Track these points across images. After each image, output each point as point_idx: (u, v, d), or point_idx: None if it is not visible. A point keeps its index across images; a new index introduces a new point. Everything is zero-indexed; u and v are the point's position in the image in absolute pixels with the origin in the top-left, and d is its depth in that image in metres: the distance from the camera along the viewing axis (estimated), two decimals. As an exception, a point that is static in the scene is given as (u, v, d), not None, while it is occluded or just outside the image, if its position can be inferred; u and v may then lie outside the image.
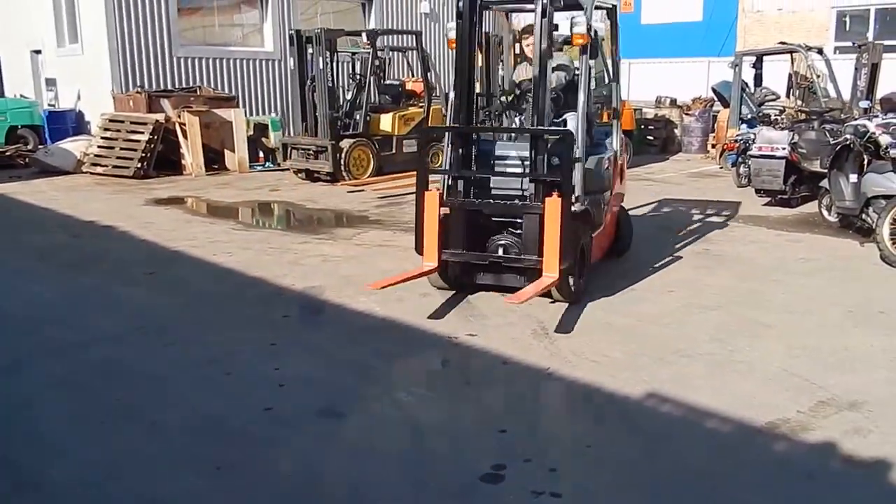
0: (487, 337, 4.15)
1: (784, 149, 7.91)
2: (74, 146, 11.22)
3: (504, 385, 3.68)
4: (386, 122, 10.57)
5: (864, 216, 6.41)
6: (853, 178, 6.74)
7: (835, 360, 3.86)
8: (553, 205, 4.29)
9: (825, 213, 7.27)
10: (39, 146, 11.90)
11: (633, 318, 4.47)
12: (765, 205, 8.42)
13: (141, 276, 5.57)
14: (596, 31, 5.01)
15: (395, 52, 12.66)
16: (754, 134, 9.51)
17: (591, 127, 5.17)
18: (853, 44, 10.24)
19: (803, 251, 6.32)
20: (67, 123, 12.76)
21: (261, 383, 3.61)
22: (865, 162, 6.62)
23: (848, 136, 6.66)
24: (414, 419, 3.27)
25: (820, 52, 10.47)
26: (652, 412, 3.35)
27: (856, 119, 8.61)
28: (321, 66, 9.46)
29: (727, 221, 7.51)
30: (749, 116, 10.80)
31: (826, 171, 7.99)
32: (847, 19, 16.05)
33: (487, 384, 3.70)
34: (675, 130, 15.03)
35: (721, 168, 11.00)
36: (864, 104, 8.97)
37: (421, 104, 11.01)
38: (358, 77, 10.14)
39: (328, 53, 9.52)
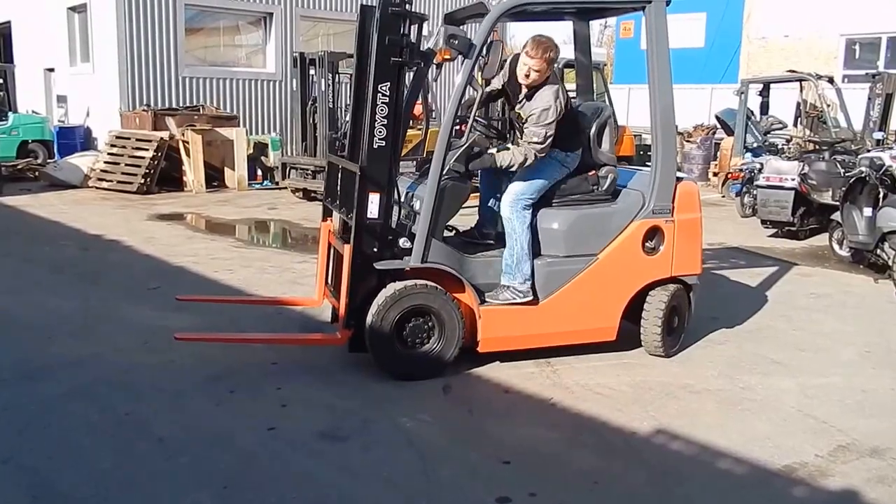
0: (488, 364, 4.02)
1: (793, 179, 7.82)
2: (82, 161, 11.21)
3: (507, 415, 3.54)
4: None
5: (878, 252, 6.29)
6: (867, 211, 6.64)
7: (853, 403, 3.73)
8: (346, 253, 3.79)
9: (836, 246, 7.16)
10: (49, 161, 11.93)
11: (638, 351, 4.34)
12: (770, 236, 8.31)
13: (145, 291, 5.48)
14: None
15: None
16: (761, 163, 9.44)
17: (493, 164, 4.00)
18: (867, 74, 10.18)
19: (813, 286, 6.19)
20: (76, 139, 12.79)
21: (264, 403, 3.54)
22: (881, 196, 6.53)
23: (863, 169, 6.58)
24: (417, 447, 3.14)
25: (831, 80, 10.43)
26: (661, 449, 3.22)
27: (869, 151, 8.57)
28: (323, 88, 9.47)
29: (732, 253, 7.40)
30: (755, 145, 10.76)
31: (837, 203, 7.93)
32: (857, 47, 15.78)
33: (489, 413, 3.57)
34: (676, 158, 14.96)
35: (723, 197, 10.92)
36: (877, 135, 8.91)
37: (419, 127, 10.89)
38: (346, 104, 10.13)
39: (330, 75, 9.53)
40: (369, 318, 3.78)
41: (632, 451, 3.21)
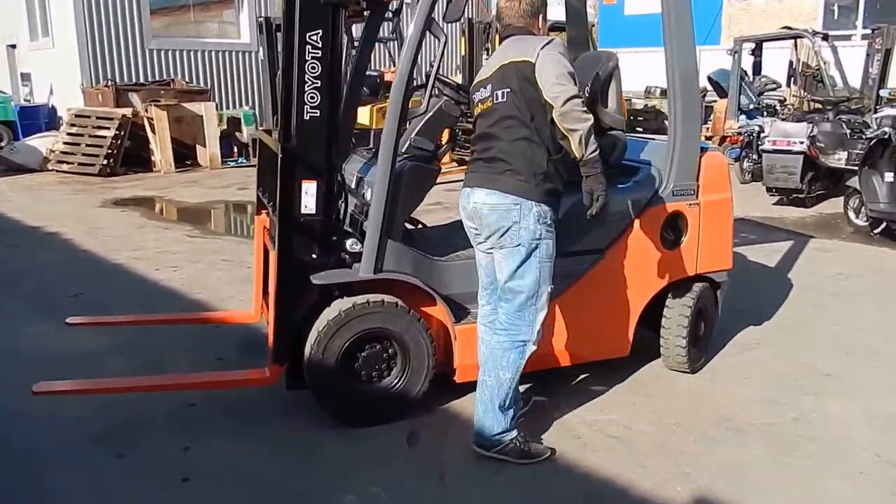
0: (468, 396, 2.91)
1: (801, 143, 6.66)
2: (42, 143, 9.87)
3: (491, 480, 2.45)
4: (363, 114, 9.22)
5: (906, 222, 5.19)
6: (889, 176, 5.53)
7: (944, 439, 2.66)
8: (272, 262, 2.72)
9: (852, 215, 6.05)
10: (14, 142, 10.55)
11: (654, 365, 3.25)
12: (775, 204, 7.18)
13: (64, 300, 4.30)
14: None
15: (379, 43, 11.31)
16: (760, 126, 8.28)
17: (436, 134, 3.00)
18: (871, 30, 8.93)
19: (837, 264, 5.10)
20: (41, 119, 11.40)
21: (158, 475, 2.41)
22: (904, 158, 5.41)
23: (886, 129, 5.43)
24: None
25: (825, 37, 9.19)
26: (705, 533, 2.15)
27: (875, 109, 7.41)
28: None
29: (740, 225, 6.27)
30: (750, 107, 9.58)
31: (847, 166, 6.81)
32: (835, 7, 15.01)
33: (467, 479, 2.47)
34: (666, 122, 13.76)
35: (718, 162, 9.73)
36: (885, 92, 7.75)
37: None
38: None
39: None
40: (308, 349, 2.65)
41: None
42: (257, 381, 2.72)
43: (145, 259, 5.21)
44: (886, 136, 5.42)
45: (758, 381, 3.16)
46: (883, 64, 8.29)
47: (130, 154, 9.50)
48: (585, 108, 2.29)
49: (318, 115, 2.63)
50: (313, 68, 2.61)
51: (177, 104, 9.59)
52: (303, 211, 2.67)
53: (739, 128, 8.56)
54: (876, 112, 7.72)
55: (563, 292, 2.89)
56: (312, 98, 2.62)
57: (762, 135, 8.06)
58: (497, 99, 2.37)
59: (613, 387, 3.07)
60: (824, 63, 9.12)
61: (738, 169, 8.04)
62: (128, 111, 9.39)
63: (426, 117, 2.99)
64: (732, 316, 3.71)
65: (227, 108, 11.22)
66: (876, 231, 5.68)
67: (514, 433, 2.48)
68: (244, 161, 10.31)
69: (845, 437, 2.68)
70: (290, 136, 2.65)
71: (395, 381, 2.76)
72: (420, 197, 2.87)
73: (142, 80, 10.71)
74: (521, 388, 2.92)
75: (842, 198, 6.71)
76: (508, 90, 2.34)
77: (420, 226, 3.36)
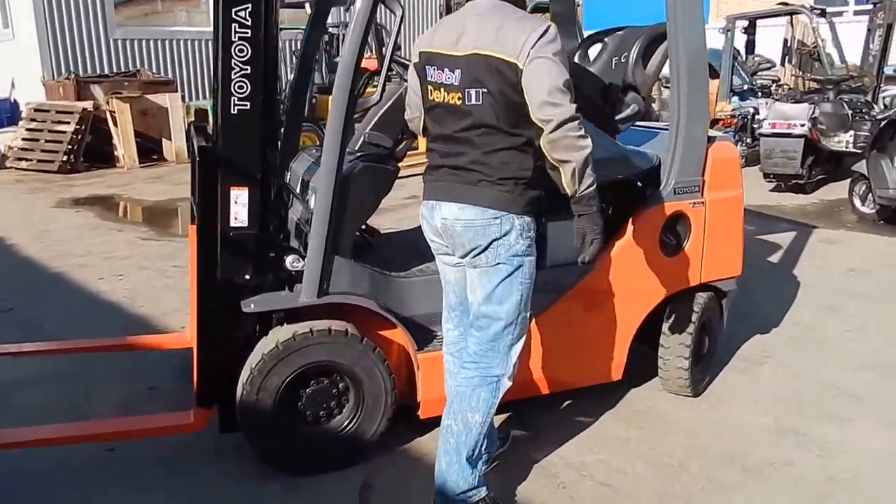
0: (434, 432, 2.48)
1: (802, 125, 6.23)
2: (0, 139, 9.28)
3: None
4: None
5: (919, 210, 4.79)
6: (900, 160, 5.12)
7: None
8: (192, 284, 2.26)
9: (858, 202, 5.64)
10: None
11: (652, 387, 2.83)
12: (772, 190, 6.77)
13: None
14: None
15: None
16: (755, 107, 7.87)
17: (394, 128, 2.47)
18: (873, 4, 8.48)
19: (846, 257, 4.69)
20: (2, 115, 10.77)
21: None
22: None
23: (897, 110, 5.00)
24: None
25: (823, 13, 8.74)
26: None
27: (878, 88, 7.00)
28: (258, 41, 7.57)
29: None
30: (744, 87, 9.14)
31: (850, 150, 6.41)
32: None
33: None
34: (654, 105, 13.28)
35: (711, 145, 9.29)
36: (890, 69, 7.32)
37: (376, 84, 9.17)
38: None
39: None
40: (240, 389, 2.20)
41: None
42: (179, 429, 2.27)
43: (90, 266, 4.73)
44: (897, 118, 5.01)
45: (771, 404, 2.74)
46: (885, 40, 7.85)
47: (93, 149, 8.93)
48: (583, 132, 1.79)
49: (247, 107, 2.17)
50: (241, 51, 2.14)
51: (140, 96, 9.02)
52: (232, 223, 2.22)
53: (732, 110, 8.12)
54: (878, 90, 7.33)
55: (546, 309, 2.46)
56: (241, 88, 2.16)
57: (757, 117, 7.66)
58: (470, 100, 1.85)
59: (603, 416, 2.64)
60: (822, 40, 8.68)
61: (734, 154, 7.62)
62: (89, 104, 8.80)
63: (383, 107, 2.53)
64: (735, 322, 3.28)
65: (198, 98, 10.64)
66: (882, 219, 5.30)
67: (484, 491, 2.03)
68: (216, 154, 9.76)
69: (879, 477, 2.27)
70: (215, 133, 2.20)
71: (347, 421, 2.32)
72: (374, 203, 2.41)
73: (106, 71, 10.10)
74: (498, 422, 2.50)
75: (842, 182, 6.34)
76: (485, 91, 1.82)
77: (372, 234, 2.89)
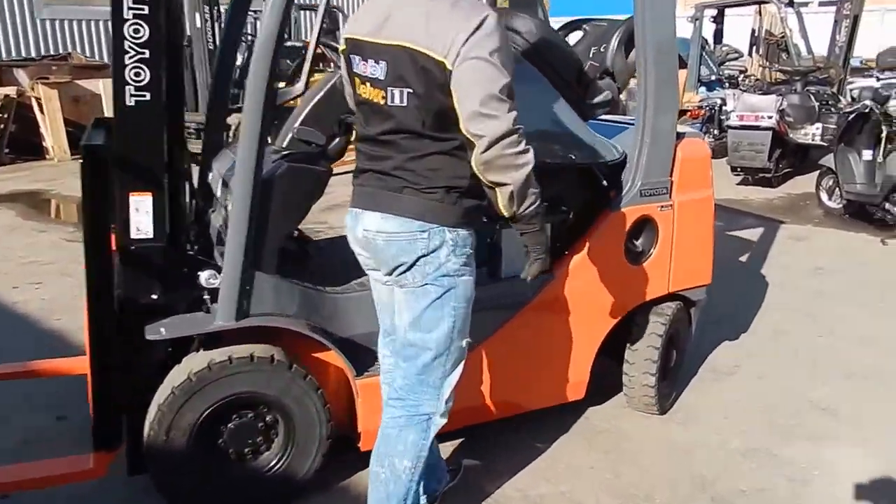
0: (365, 475, 2.26)
1: (771, 117, 6.18)
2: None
3: None
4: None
5: (888, 206, 4.76)
6: (867, 154, 5.09)
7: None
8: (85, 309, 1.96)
9: (825, 197, 5.61)
10: None
11: (616, 404, 2.67)
12: (739, 183, 6.73)
13: None
14: None
15: (305, 11, 10.41)
16: (722, 98, 7.83)
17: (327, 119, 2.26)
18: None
19: (815, 255, 4.63)
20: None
21: None
22: (884, 136, 4.96)
23: (867, 103, 4.96)
24: None
25: (790, 3, 8.75)
26: None
27: (849, 80, 7.03)
28: (198, 25, 7.21)
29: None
30: (711, 78, 9.14)
31: (817, 143, 6.41)
32: None
33: None
34: (621, 95, 13.27)
35: (677, 137, 9.24)
36: (856, 61, 7.35)
37: (331, 70, 9.00)
38: (249, 39, 7.89)
39: (207, 8, 7.27)
40: (146, 428, 1.95)
41: None
42: (75, 477, 2.00)
43: (4, 274, 4.35)
44: (867, 110, 4.96)
45: (741, 421, 2.61)
46: (851, 31, 7.90)
47: (18, 140, 8.38)
48: (523, 147, 1.54)
49: (146, 98, 1.89)
50: (136, 31, 1.87)
51: (70, 82, 8.50)
52: (134, 235, 1.95)
53: (700, 100, 8.07)
54: (844, 82, 7.36)
55: (502, 325, 2.26)
56: (138, 75, 1.89)
57: (724, 108, 7.62)
58: (393, 100, 1.60)
59: (564, 440, 2.46)
60: (789, 31, 8.70)
61: (700, 146, 7.58)
62: (12, 90, 8.25)
63: (314, 98, 2.28)
64: (703, 327, 3.14)
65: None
66: (849, 213, 5.28)
67: None
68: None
69: (859, 506, 2.15)
70: (113, 130, 1.93)
71: (277, 458, 2.09)
72: (302, 210, 2.17)
73: (32, 54, 9.53)
74: (448, 451, 2.30)
75: (808, 176, 6.34)
76: (410, 92, 1.57)
77: (303, 240, 2.64)
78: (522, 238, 1.69)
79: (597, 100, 2.60)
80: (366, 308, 2.19)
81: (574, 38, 2.86)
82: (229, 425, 2.03)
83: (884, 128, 4.94)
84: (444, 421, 1.80)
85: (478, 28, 1.50)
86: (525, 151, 1.55)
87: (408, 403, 1.76)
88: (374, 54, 1.63)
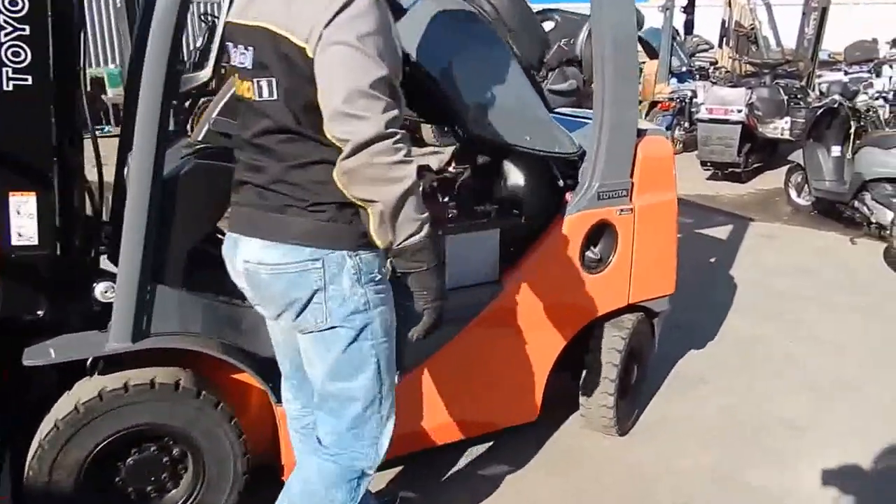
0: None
1: (740, 111, 6.04)
2: None
3: None
4: None
5: (856, 204, 4.64)
6: (836, 150, 4.97)
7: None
8: None
9: (794, 193, 5.49)
10: None
11: (572, 424, 2.47)
12: (709, 178, 6.60)
13: None
14: None
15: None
16: (693, 91, 7.69)
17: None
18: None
19: (785, 254, 4.50)
20: None
21: None
22: (852, 132, 4.84)
23: (836, 98, 4.83)
24: None
25: (761, -7, 8.65)
26: None
27: (818, 73, 6.94)
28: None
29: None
30: (682, 69, 8.99)
31: (785, 138, 6.30)
32: None
33: None
34: (592, 86, 13.09)
35: (648, 129, 9.10)
36: (824, 54, 7.26)
37: None
38: (210, 18, 7.48)
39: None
40: (26, 467, 1.68)
41: None
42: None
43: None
44: (836, 105, 4.84)
45: (708, 442, 2.43)
46: (819, 24, 7.82)
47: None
48: (402, 156, 1.24)
49: (28, 83, 1.61)
50: (13, 4, 1.58)
51: (13, 62, 8.01)
52: (15, 241, 1.68)
53: (671, 92, 7.93)
54: (813, 75, 7.27)
55: (446, 342, 2.03)
56: (17, 55, 1.60)
57: (695, 100, 7.49)
58: (261, 93, 1.32)
59: (514, 465, 2.25)
60: (759, 23, 8.60)
61: (670, 139, 7.44)
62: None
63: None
64: (669, 335, 2.94)
65: (89, 66, 9.63)
66: (817, 210, 5.17)
67: None
68: (109, 129, 8.87)
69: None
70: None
71: (185, 497, 1.83)
72: (217, 212, 1.89)
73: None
74: (383, 481, 2.08)
75: (777, 171, 6.24)
76: (276, 82, 1.30)
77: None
78: (410, 281, 1.35)
79: (560, 87, 2.42)
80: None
81: (547, 28, 2.68)
82: (128, 461, 1.77)
83: (852, 123, 4.82)
84: (373, 474, 1.54)
85: (345, 6, 1.21)
86: (404, 163, 1.24)
87: (341, 458, 1.48)
88: (242, 39, 1.36)
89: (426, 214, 1.30)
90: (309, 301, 1.36)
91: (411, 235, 1.27)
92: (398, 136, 1.23)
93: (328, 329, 1.39)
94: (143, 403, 1.72)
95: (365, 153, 1.20)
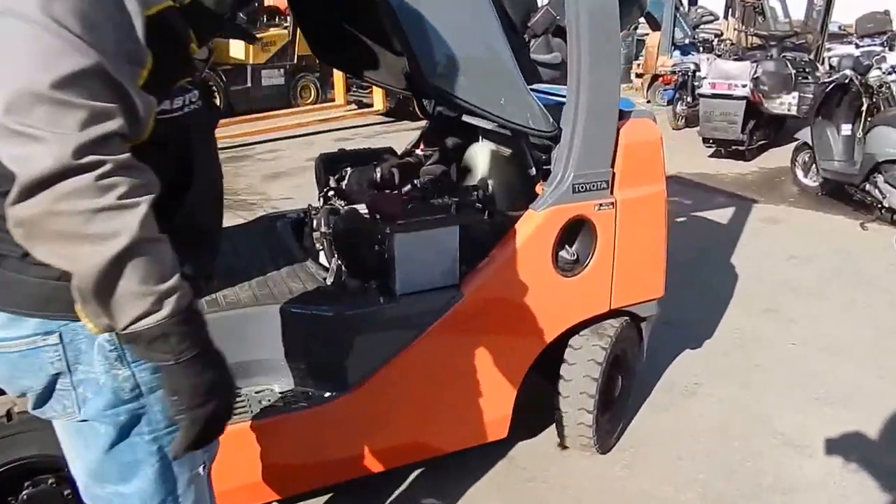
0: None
1: (745, 86, 5.69)
2: None
3: None
4: (237, 47, 7.89)
5: (868, 187, 4.34)
6: (846, 129, 4.65)
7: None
8: None
9: (800, 174, 5.17)
10: None
11: (547, 439, 2.22)
12: (711, 156, 6.28)
13: None
14: None
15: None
16: (696, 63, 7.32)
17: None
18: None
19: (789, 240, 4.21)
20: None
21: None
22: (864, 109, 4.52)
23: (847, 73, 4.49)
24: None
25: (768, -38, 8.20)
26: None
27: (822, 46, 6.55)
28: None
29: (672, 186, 5.28)
30: (685, 41, 8.61)
31: (792, 114, 5.96)
32: None
33: None
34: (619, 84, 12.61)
35: (649, 102, 8.73)
36: (834, 27, 6.88)
37: (286, 25, 8.47)
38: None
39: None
40: None
41: None
42: None
43: None
44: (846, 81, 4.50)
45: (698, 463, 2.17)
46: (830, -7, 7.41)
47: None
48: (118, 201, 0.78)
49: None
50: None
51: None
52: None
53: (673, 65, 7.56)
54: (822, 48, 6.89)
55: (399, 353, 1.78)
56: None
57: (698, 73, 7.13)
58: None
59: (478, 491, 2.01)
60: (768, -7, 8.18)
61: (672, 113, 7.10)
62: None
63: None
64: (660, 335, 2.66)
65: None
66: (825, 192, 4.87)
67: None
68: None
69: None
70: None
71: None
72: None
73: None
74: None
75: (784, 148, 5.91)
76: None
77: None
78: (163, 380, 0.91)
79: (543, 57, 2.13)
80: (223, 335, 1.68)
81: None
82: (22, 494, 1.53)
83: (864, 100, 4.49)
84: None
85: None
86: (119, 209, 0.79)
87: None
88: None
89: (173, 281, 0.84)
90: (49, 388, 0.98)
91: (142, 316, 0.82)
92: (108, 166, 0.78)
93: (82, 422, 0.99)
94: (32, 433, 1.47)
95: (45, 195, 0.76)
